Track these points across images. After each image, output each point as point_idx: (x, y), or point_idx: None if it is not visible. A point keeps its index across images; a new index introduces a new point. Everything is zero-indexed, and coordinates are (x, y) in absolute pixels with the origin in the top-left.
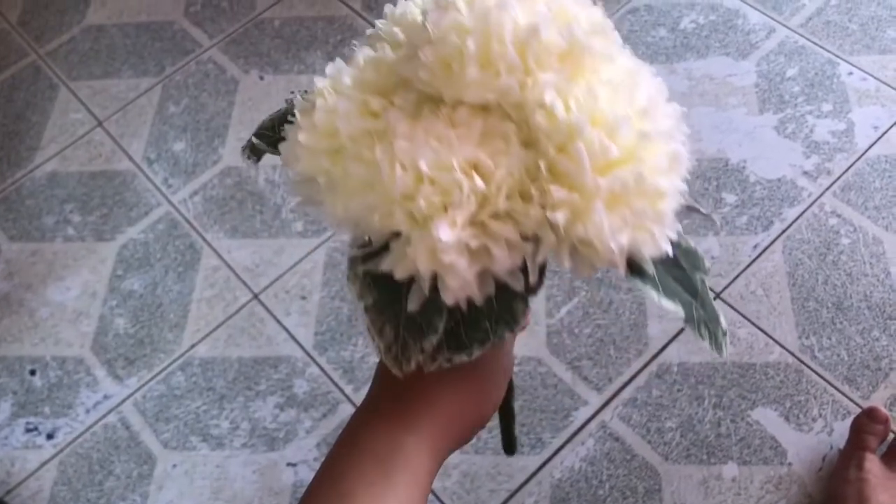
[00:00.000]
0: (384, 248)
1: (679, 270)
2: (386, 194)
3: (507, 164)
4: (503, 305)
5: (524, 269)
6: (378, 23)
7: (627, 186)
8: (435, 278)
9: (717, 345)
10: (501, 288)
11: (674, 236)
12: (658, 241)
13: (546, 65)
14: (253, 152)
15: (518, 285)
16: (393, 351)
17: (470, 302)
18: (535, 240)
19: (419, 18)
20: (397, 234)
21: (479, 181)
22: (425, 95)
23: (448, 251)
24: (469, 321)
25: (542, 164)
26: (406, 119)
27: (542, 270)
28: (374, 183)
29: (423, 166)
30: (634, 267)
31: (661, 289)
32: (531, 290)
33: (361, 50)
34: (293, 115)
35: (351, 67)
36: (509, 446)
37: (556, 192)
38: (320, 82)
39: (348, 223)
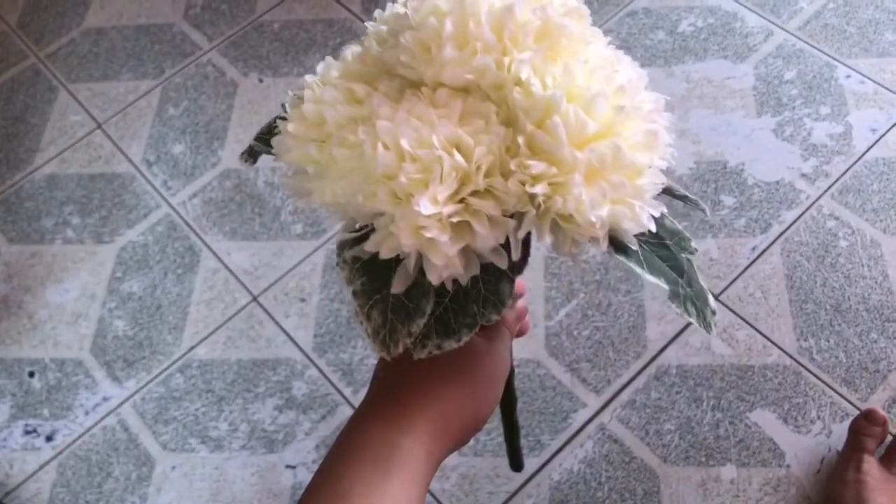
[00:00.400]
0: (371, 231)
1: (665, 250)
2: (369, 174)
3: (487, 141)
4: (489, 287)
5: (507, 248)
6: (367, 23)
7: (605, 160)
8: (420, 259)
9: (704, 323)
10: (486, 269)
11: (656, 213)
12: (638, 215)
13: (522, 44)
14: (250, 155)
15: (502, 263)
16: (381, 335)
17: (457, 284)
18: (517, 216)
19: (401, 9)
20: (382, 215)
21: (459, 158)
22: (408, 81)
23: (430, 226)
24: (457, 305)
25: (521, 141)
26: (389, 102)
27: (525, 248)
28: (358, 165)
29: (405, 144)
30: (618, 245)
31: (645, 265)
32: (516, 268)
33: (350, 48)
34: (285, 111)
35: (339, 62)
36: (515, 462)
37: (535, 166)
38: (310, 78)
39: (336, 207)
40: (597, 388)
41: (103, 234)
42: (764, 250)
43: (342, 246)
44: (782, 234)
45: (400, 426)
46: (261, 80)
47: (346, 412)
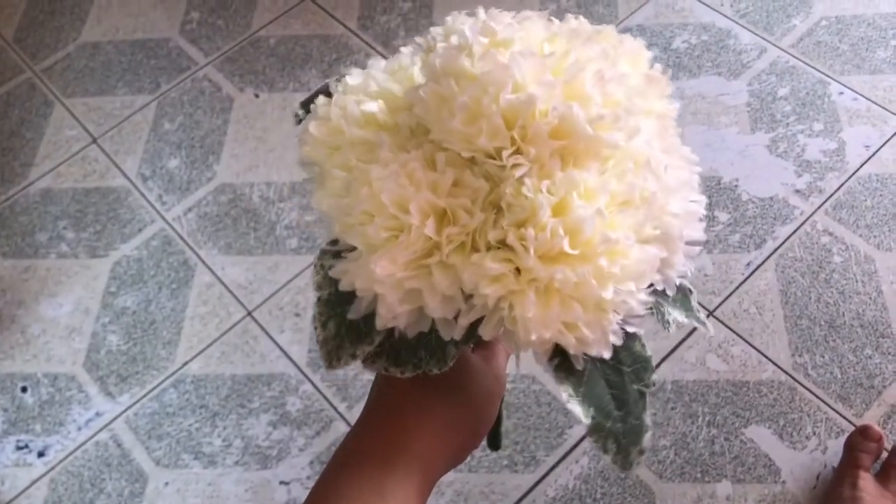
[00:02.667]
0: (346, 251)
1: (617, 376)
2: (352, 206)
3: (464, 220)
4: (437, 343)
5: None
6: (432, 29)
7: (567, 285)
8: (374, 300)
9: (624, 461)
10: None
11: (618, 341)
12: (589, 343)
13: (533, 138)
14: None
15: (447, 334)
16: (328, 346)
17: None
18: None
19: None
20: (353, 248)
21: (430, 229)
22: (422, 127)
23: (381, 283)
24: (406, 345)
25: (492, 236)
26: (390, 147)
27: (471, 332)
28: (347, 193)
29: (384, 198)
30: (564, 361)
31: (579, 390)
32: (463, 341)
33: (407, 49)
34: (328, 93)
35: (386, 68)
36: (494, 441)
37: (493, 269)
38: (353, 79)
39: (324, 218)
40: None
41: (98, 249)
42: (758, 266)
43: (323, 253)
44: (776, 249)
45: (396, 444)
46: (257, 96)
47: (340, 428)
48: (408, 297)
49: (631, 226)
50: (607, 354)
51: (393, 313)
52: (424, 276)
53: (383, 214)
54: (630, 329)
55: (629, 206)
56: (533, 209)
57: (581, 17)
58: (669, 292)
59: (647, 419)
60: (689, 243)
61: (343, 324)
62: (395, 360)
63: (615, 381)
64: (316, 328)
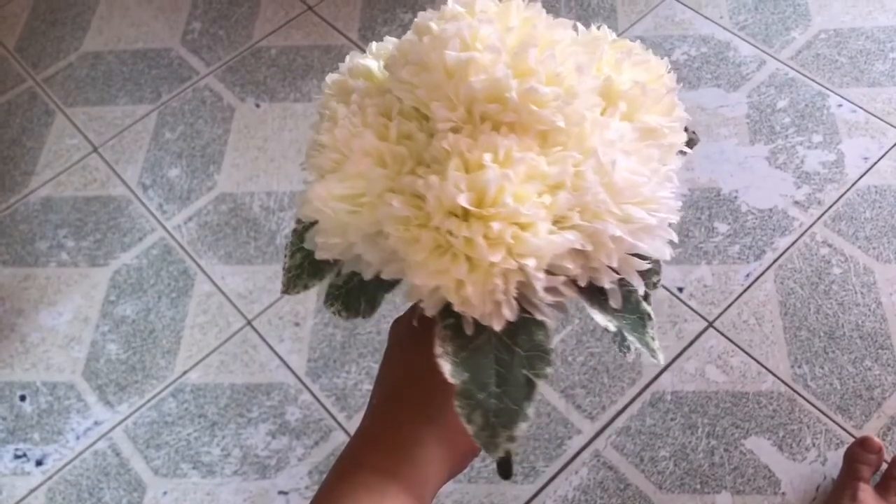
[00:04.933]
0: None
1: (507, 355)
2: (315, 142)
3: (394, 167)
4: (375, 288)
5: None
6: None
7: (458, 239)
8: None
9: (488, 441)
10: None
11: (509, 316)
12: (474, 307)
13: (465, 98)
14: None
15: (365, 273)
16: (290, 273)
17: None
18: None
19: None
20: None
21: (363, 166)
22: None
23: (318, 211)
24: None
25: (407, 181)
26: (367, 93)
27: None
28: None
29: (337, 133)
30: (457, 324)
31: (460, 354)
32: (386, 287)
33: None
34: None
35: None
36: (503, 468)
37: (398, 207)
38: (377, 44)
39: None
40: (591, 414)
41: (97, 258)
42: (758, 277)
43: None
44: (776, 260)
45: (396, 454)
46: (258, 105)
47: (339, 438)
48: (338, 230)
49: (547, 206)
50: (496, 326)
51: (326, 243)
52: (355, 212)
53: (333, 148)
54: (538, 316)
55: (559, 189)
56: (443, 159)
57: (604, 26)
58: (614, 304)
59: (529, 410)
60: (638, 256)
61: (307, 257)
62: (346, 305)
63: (504, 360)
64: (285, 256)
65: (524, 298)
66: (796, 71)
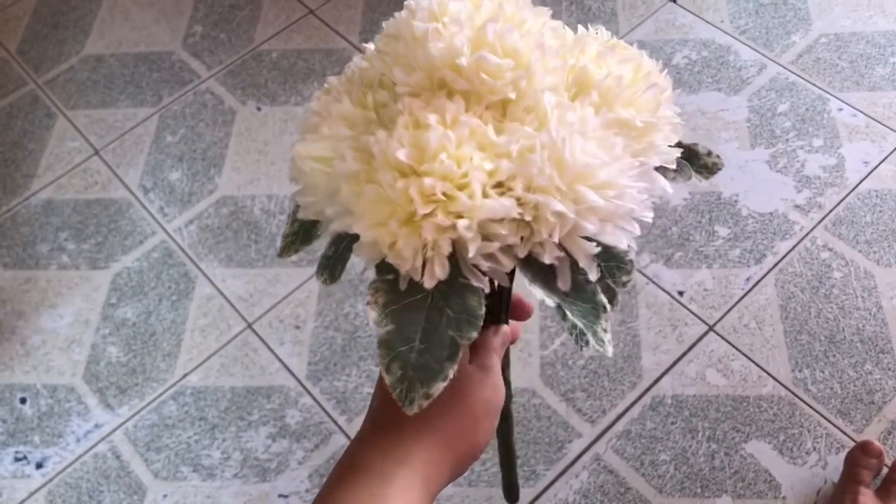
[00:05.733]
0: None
1: (436, 314)
2: (311, 109)
3: (360, 129)
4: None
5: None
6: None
7: (393, 189)
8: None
9: (403, 394)
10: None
11: (439, 275)
12: (404, 260)
13: (424, 64)
14: None
15: (329, 230)
16: (287, 239)
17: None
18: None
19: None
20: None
21: (334, 129)
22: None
23: (300, 171)
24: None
25: (363, 140)
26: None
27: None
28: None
29: (324, 99)
30: (395, 280)
31: (390, 307)
32: (347, 245)
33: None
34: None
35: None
36: (510, 493)
37: (351, 164)
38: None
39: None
40: (592, 417)
41: (98, 260)
42: (758, 281)
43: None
44: (776, 264)
45: (396, 457)
46: (259, 109)
47: (340, 441)
48: (312, 189)
49: (488, 171)
50: (426, 283)
51: (305, 201)
52: (327, 173)
53: (317, 112)
54: (472, 280)
55: (504, 158)
56: (393, 118)
57: (602, 28)
58: (562, 285)
59: (449, 370)
60: (589, 238)
61: (303, 226)
62: (331, 274)
63: (433, 318)
64: (286, 224)
65: (461, 261)
66: (797, 75)
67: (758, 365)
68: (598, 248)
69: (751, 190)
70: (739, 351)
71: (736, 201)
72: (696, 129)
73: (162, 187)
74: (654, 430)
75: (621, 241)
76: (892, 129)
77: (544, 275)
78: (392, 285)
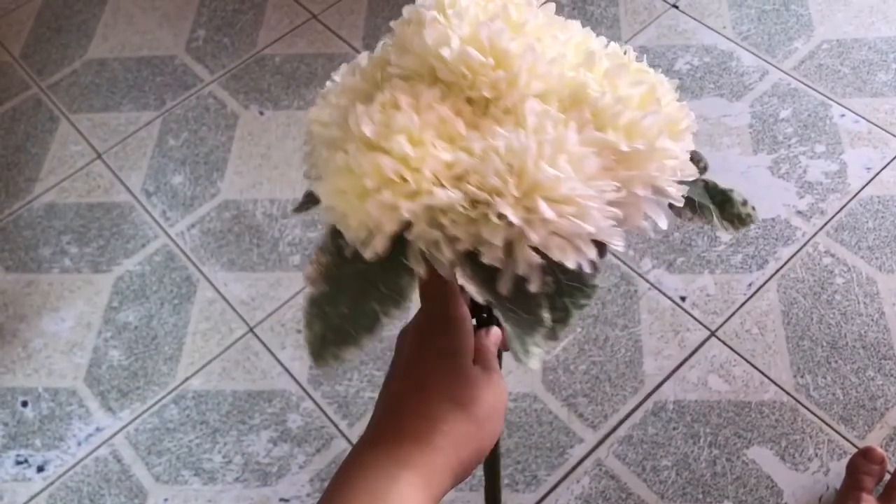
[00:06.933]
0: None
1: (369, 286)
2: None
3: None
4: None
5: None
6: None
7: (355, 160)
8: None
9: (315, 350)
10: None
11: (378, 247)
12: (348, 229)
13: (416, 49)
14: None
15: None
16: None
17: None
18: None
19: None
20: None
21: (341, 100)
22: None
23: (312, 132)
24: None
25: (352, 120)
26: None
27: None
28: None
29: (341, 74)
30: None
31: (331, 269)
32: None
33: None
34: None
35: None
36: (491, 499)
37: (330, 133)
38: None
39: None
40: (594, 423)
41: (100, 264)
42: (760, 287)
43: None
44: (778, 270)
45: (399, 460)
46: (261, 113)
47: (341, 445)
48: (310, 157)
49: (444, 161)
50: (366, 254)
51: (308, 171)
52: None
53: (336, 86)
54: (413, 265)
55: (466, 152)
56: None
57: (629, 48)
58: (501, 288)
59: (364, 340)
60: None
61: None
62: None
63: (365, 289)
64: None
65: (408, 243)
66: (799, 81)
67: (760, 371)
68: (542, 262)
69: (753, 196)
70: (741, 356)
71: None
72: (698, 135)
73: (164, 191)
74: (655, 435)
75: (569, 259)
76: (894, 136)
77: (487, 272)
78: (339, 251)
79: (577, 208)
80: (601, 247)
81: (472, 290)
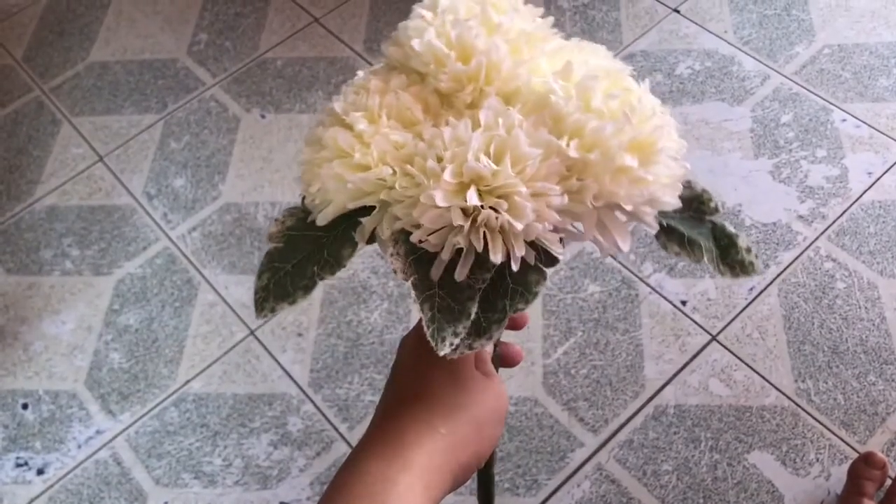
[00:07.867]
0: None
1: (316, 251)
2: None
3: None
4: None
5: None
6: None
7: (333, 142)
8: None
9: (259, 301)
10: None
11: (322, 220)
12: (315, 207)
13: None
14: None
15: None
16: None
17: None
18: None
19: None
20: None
21: (348, 100)
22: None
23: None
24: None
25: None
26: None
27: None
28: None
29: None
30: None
31: (292, 230)
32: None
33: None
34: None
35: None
36: (484, 497)
37: (323, 119)
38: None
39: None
40: (594, 427)
41: (102, 267)
42: (761, 291)
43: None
44: (780, 275)
45: (397, 462)
46: (263, 116)
47: (341, 448)
48: None
49: (394, 143)
50: (319, 221)
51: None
52: None
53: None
54: (356, 235)
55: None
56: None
57: (628, 69)
58: (434, 274)
59: (298, 297)
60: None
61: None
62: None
63: (311, 253)
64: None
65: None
66: (800, 86)
67: (760, 375)
68: (468, 250)
69: (754, 200)
70: (742, 361)
71: (739, 211)
72: (699, 139)
73: (166, 194)
74: (656, 439)
75: (495, 254)
76: (895, 140)
77: (422, 255)
78: (304, 216)
79: (510, 205)
80: (549, 256)
81: (398, 269)
